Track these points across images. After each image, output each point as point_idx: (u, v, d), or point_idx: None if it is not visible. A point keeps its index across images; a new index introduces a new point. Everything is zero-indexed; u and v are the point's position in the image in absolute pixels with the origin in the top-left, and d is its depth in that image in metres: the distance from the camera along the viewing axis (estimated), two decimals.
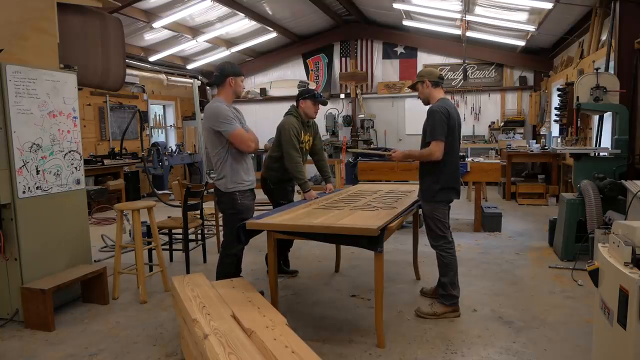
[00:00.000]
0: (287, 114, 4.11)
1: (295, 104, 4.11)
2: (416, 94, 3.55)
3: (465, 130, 11.04)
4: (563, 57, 8.90)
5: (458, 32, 9.40)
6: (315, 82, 11.81)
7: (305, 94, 4.05)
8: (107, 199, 7.84)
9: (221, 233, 4.00)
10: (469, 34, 9.25)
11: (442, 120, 3.21)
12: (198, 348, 2.20)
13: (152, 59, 10.16)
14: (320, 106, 4.19)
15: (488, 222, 5.98)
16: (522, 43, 9.49)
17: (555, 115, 8.11)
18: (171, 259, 4.97)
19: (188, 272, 4.45)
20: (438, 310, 3.32)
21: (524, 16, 8.00)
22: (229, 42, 10.76)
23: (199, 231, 5.04)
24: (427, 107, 3.40)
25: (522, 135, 10.12)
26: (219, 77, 3.35)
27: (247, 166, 3.42)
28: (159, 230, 4.38)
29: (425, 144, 3.31)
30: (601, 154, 5.08)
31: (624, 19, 5.38)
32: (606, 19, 6.10)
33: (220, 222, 4.48)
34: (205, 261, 4.88)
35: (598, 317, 2.08)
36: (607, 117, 5.60)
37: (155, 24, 8.48)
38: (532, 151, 8.46)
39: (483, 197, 7.92)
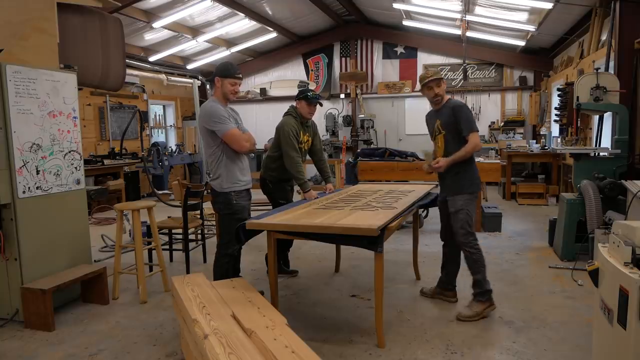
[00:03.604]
0: (286, 114, 4.12)
1: (294, 104, 4.12)
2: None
3: None
4: (563, 57, 8.90)
5: (458, 32, 9.40)
6: (315, 82, 11.80)
7: (299, 95, 4.06)
8: (107, 199, 7.85)
9: None
10: (469, 34, 9.25)
11: (471, 112, 3.35)
12: (198, 348, 2.20)
13: (152, 59, 10.15)
14: (319, 106, 4.19)
15: (488, 222, 5.98)
16: (522, 43, 9.49)
17: (555, 115, 8.11)
18: (171, 259, 4.97)
19: (188, 272, 4.45)
20: (478, 309, 3.29)
21: (524, 16, 8.00)
22: (229, 42, 10.76)
23: (199, 231, 5.04)
24: (435, 106, 3.48)
25: (522, 135, 10.12)
26: (212, 76, 3.35)
27: (242, 166, 3.41)
28: (159, 230, 4.38)
29: (460, 138, 3.32)
30: (601, 154, 5.08)
31: (624, 19, 5.38)
32: (606, 19, 6.10)
33: None
34: (205, 261, 4.88)
35: (598, 317, 2.08)
36: (607, 117, 5.60)
37: (155, 24, 8.48)
38: (532, 151, 8.46)
39: (483, 197, 7.91)
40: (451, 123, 3.34)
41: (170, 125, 11.74)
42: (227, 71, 3.32)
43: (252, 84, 12.46)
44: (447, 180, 3.46)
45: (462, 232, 3.34)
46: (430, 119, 3.64)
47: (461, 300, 3.63)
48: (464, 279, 4.13)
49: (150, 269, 4.44)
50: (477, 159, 6.66)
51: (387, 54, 11.47)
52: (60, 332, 3.24)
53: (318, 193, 3.99)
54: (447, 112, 3.39)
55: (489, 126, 10.88)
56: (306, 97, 4.01)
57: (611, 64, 5.55)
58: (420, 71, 11.21)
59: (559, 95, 7.77)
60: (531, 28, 8.13)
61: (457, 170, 3.38)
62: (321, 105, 4.25)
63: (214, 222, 5.97)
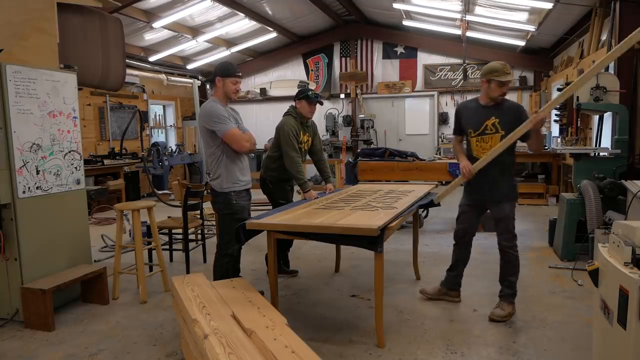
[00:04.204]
0: (286, 114, 4.12)
1: (294, 104, 4.11)
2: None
3: None
4: (563, 57, 8.90)
5: (458, 32, 9.40)
6: (315, 82, 11.81)
7: (300, 94, 4.05)
8: (107, 199, 7.85)
9: None
10: (469, 34, 9.25)
11: None
12: (198, 348, 2.20)
13: (152, 59, 10.16)
14: (319, 106, 4.19)
15: (488, 222, 5.97)
16: (522, 43, 9.49)
17: (555, 115, 8.11)
18: (171, 259, 4.97)
19: (188, 272, 4.45)
20: (510, 309, 3.28)
21: (524, 16, 8.00)
22: (229, 42, 10.76)
23: (199, 231, 5.04)
24: (486, 104, 3.31)
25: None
26: (212, 76, 3.35)
27: (242, 166, 3.41)
28: (159, 230, 4.38)
29: (524, 139, 3.29)
30: (601, 154, 5.08)
31: (624, 19, 5.38)
32: (606, 19, 6.10)
33: None
34: (205, 261, 4.88)
35: (598, 317, 2.08)
36: (607, 117, 5.60)
37: (155, 24, 8.48)
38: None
39: None
40: (514, 123, 3.17)
41: (170, 125, 11.74)
42: (227, 70, 3.32)
43: (252, 84, 12.46)
44: (491, 185, 3.30)
45: (509, 237, 3.31)
46: (475, 114, 3.34)
47: (464, 300, 3.64)
48: (464, 280, 4.13)
49: (150, 269, 4.44)
50: None
51: (387, 54, 11.47)
52: (60, 332, 3.24)
53: (318, 193, 3.99)
54: (510, 112, 3.25)
55: None
56: (307, 97, 4.01)
57: (611, 64, 5.55)
58: (420, 71, 11.23)
59: None
60: (531, 28, 8.12)
61: (501, 176, 3.29)
62: (321, 104, 4.25)
63: (214, 222, 5.96)
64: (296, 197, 4.55)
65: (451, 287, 3.66)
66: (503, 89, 3.19)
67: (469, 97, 10.89)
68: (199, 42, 10.04)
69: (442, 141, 10.99)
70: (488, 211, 5.58)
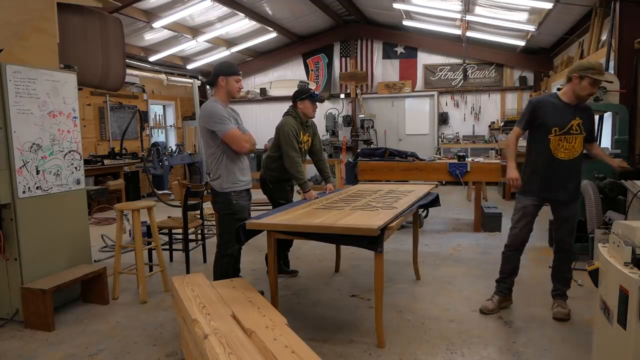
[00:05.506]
0: (285, 114, 4.12)
1: (298, 104, 4.11)
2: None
3: (465, 130, 11.06)
4: (563, 57, 8.90)
5: (458, 32, 9.41)
6: (315, 82, 11.81)
7: (302, 94, 4.05)
8: (107, 199, 7.85)
9: None
10: (469, 34, 9.25)
11: None
12: (198, 348, 2.20)
13: (152, 59, 10.16)
14: (319, 105, 4.20)
15: (488, 222, 5.98)
16: (522, 43, 9.50)
17: None
18: (171, 259, 4.97)
19: (188, 272, 4.45)
20: (567, 306, 3.29)
21: (524, 16, 8.00)
22: (229, 42, 10.77)
23: (199, 231, 5.04)
24: (578, 104, 3.17)
25: (522, 135, 10.09)
26: (212, 77, 3.35)
27: (242, 166, 3.41)
28: (159, 230, 4.38)
29: (590, 141, 3.27)
30: None
31: (624, 19, 5.38)
32: (606, 19, 6.10)
33: None
34: (205, 261, 4.88)
35: (598, 317, 2.08)
36: (607, 117, 5.60)
37: (155, 24, 8.48)
38: None
39: (483, 197, 7.92)
40: (589, 126, 3.17)
41: (170, 125, 11.75)
42: (230, 69, 3.35)
43: (252, 84, 12.46)
44: (569, 184, 3.21)
45: (573, 236, 3.30)
46: (562, 111, 3.14)
47: (464, 300, 3.63)
48: (467, 280, 4.14)
49: (150, 269, 4.44)
50: (476, 160, 6.70)
51: (387, 54, 11.48)
52: (60, 332, 3.24)
53: (318, 193, 3.99)
54: (588, 114, 3.20)
55: (489, 126, 10.89)
56: (311, 96, 4.02)
57: (611, 64, 5.55)
58: (420, 71, 11.23)
59: None
60: (531, 28, 8.13)
61: (577, 176, 3.25)
62: (322, 101, 4.27)
63: (214, 222, 5.97)
64: (296, 197, 4.55)
65: (506, 293, 3.49)
66: (594, 88, 3.04)
67: (469, 97, 11.01)
68: (199, 42, 10.04)
69: (442, 141, 11.01)
70: (484, 211, 5.63)
